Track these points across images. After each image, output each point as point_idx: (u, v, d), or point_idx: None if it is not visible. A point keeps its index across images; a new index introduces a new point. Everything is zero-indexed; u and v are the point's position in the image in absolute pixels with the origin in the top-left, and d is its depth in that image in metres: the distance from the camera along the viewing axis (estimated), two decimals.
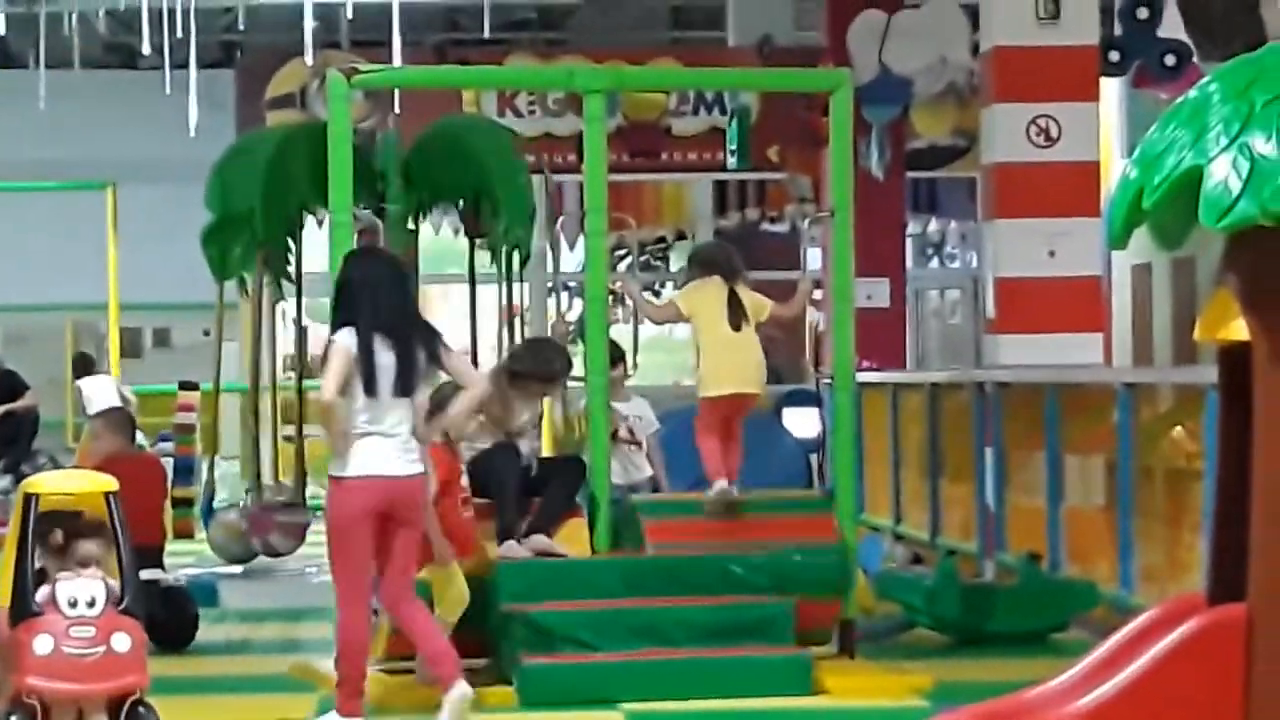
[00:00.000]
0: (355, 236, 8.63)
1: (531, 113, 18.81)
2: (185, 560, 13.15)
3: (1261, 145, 3.74)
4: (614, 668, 7.96)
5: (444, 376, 7.75)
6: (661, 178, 20.26)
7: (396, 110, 15.22)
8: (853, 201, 8.96)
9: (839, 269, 9.17)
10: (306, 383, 12.24)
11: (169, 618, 9.26)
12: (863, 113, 14.56)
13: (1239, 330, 3.94)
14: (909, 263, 18.68)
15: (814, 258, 19.14)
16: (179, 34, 16.73)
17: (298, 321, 12.84)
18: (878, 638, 9.36)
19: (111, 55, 23.40)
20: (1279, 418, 3.87)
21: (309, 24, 16.02)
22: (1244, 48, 4.19)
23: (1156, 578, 9.22)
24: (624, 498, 8.99)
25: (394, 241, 10.63)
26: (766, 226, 20.61)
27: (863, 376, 11.91)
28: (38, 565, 6.45)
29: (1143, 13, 14.59)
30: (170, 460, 14.45)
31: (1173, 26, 14.15)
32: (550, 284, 12.91)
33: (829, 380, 11.21)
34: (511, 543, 8.45)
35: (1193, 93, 3.94)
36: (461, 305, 12.45)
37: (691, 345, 9.22)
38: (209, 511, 13.38)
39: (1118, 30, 14.31)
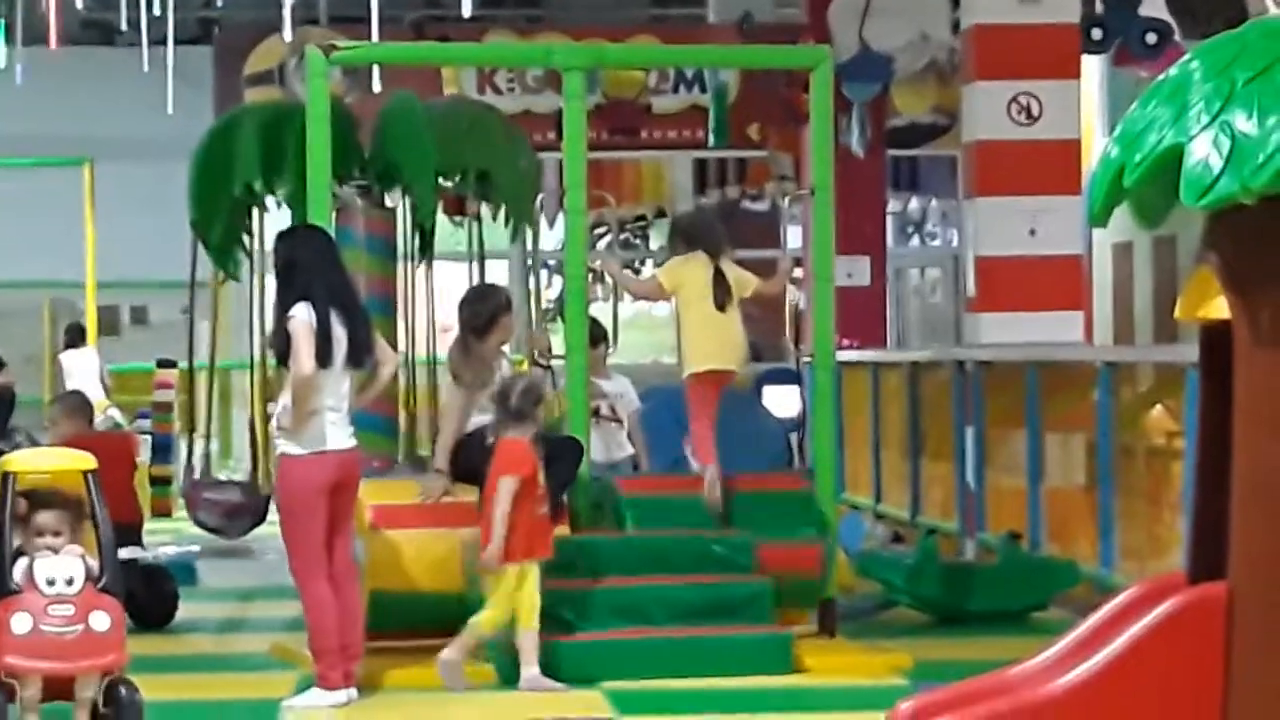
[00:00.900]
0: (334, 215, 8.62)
1: (510, 90, 18.77)
2: (163, 538, 13.14)
3: (1242, 123, 3.73)
4: (594, 646, 7.96)
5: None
6: (641, 155, 20.24)
7: (376, 88, 15.19)
8: (833, 179, 8.95)
9: (819, 247, 9.16)
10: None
11: (148, 596, 9.25)
12: (843, 90, 14.54)
13: (1220, 309, 3.93)
14: (889, 241, 18.68)
15: (794, 236, 19.19)
16: (156, 10, 16.68)
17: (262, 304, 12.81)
18: (858, 617, 9.36)
19: (89, 31, 23.32)
20: (1259, 396, 3.87)
21: (287, 0, 15.96)
22: (1225, 25, 4.17)
23: (1137, 556, 9.23)
24: (604, 475, 8.98)
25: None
26: (747, 204, 20.60)
27: (843, 355, 11.91)
28: (15, 544, 6.40)
29: None
30: (149, 438, 14.44)
31: (1154, 4, 14.15)
32: (529, 262, 12.89)
33: (809, 359, 11.22)
34: None
35: (1174, 70, 3.93)
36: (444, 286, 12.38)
37: (672, 323, 9.21)
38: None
39: (1099, 8, 14.30)
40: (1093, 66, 17.02)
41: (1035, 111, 12.51)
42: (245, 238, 10.64)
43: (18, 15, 17.98)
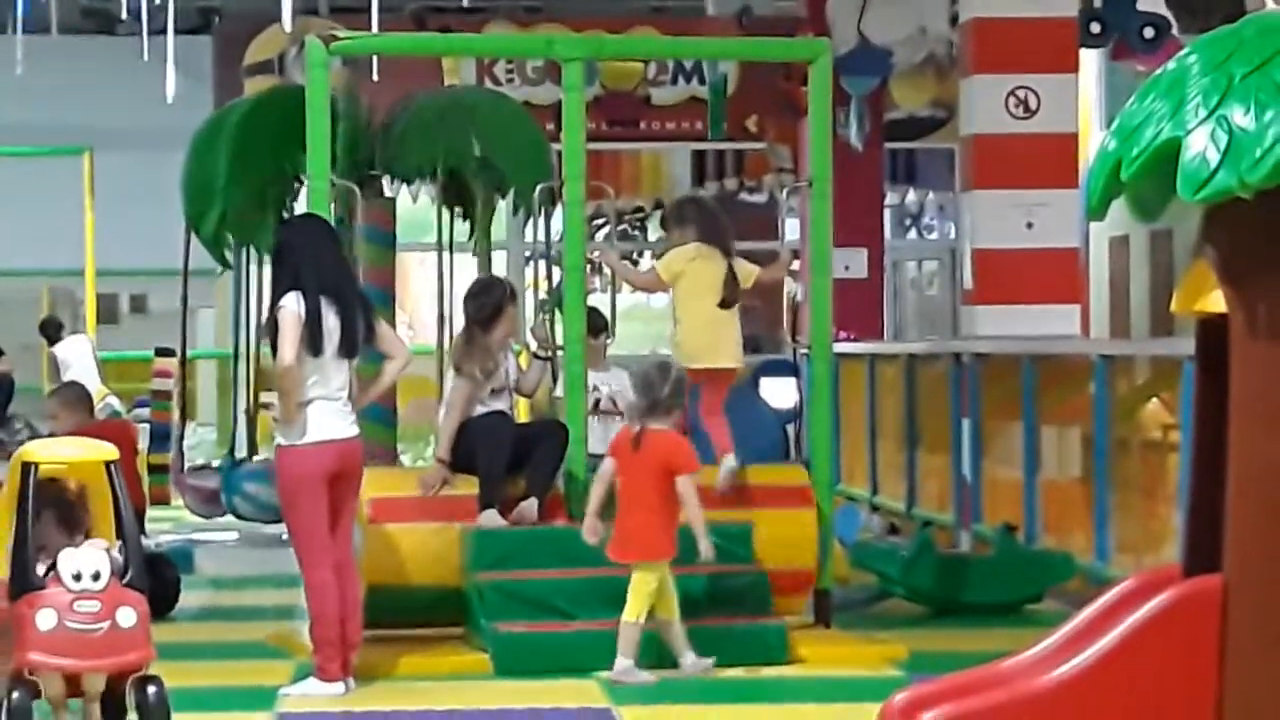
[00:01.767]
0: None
1: (510, 81, 18.75)
2: (162, 526, 13.16)
3: (1240, 117, 3.74)
4: (590, 636, 7.96)
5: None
6: (640, 147, 20.21)
7: (374, 77, 15.17)
8: (831, 172, 8.95)
9: (817, 239, 9.17)
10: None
11: (151, 584, 9.24)
12: (841, 83, 14.53)
13: (1216, 302, 3.94)
14: (887, 233, 18.66)
15: (792, 228, 19.14)
16: (156, 0, 16.66)
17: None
18: (853, 608, 9.37)
19: (89, 20, 23.28)
20: (1255, 389, 3.88)
21: None
22: (1223, 20, 4.18)
23: (1132, 549, 9.24)
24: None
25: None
26: (745, 196, 20.58)
27: (840, 347, 11.91)
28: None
29: None
30: (147, 426, 14.46)
31: (1152, 0, 14.15)
32: (528, 253, 12.89)
33: (806, 350, 11.22)
34: (492, 511, 8.44)
35: (1171, 65, 3.94)
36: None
37: (669, 315, 9.20)
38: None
39: (1097, 2, 14.30)
40: (1091, 61, 17.02)
41: (1033, 105, 12.50)
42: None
43: (18, 4, 17.95)
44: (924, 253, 22.74)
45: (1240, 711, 3.89)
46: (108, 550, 6.15)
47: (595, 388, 9.37)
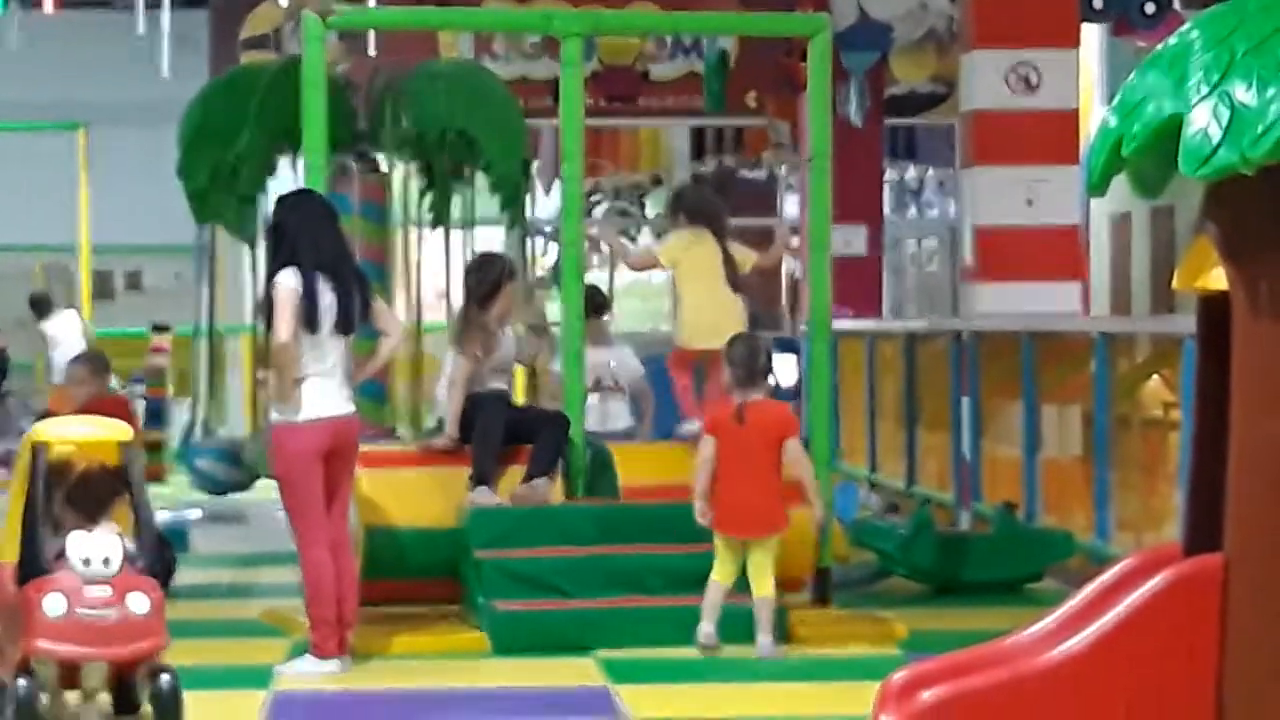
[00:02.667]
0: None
1: (508, 56, 18.71)
2: (156, 505, 13.12)
3: (1242, 93, 3.71)
4: (588, 614, 7.95)
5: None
6: (638, 123, 20.18)
7: (372, 52, 15.14)
8: (831, 148, 8.93)
9: (816, 216, 9.14)
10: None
11: None
12: (841, 59, 14.50)
13: (1218, 279, 3.92)
14: (887, 210, 18.65)
15: (791, 204, 19.15)
16: None
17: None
18: (853, 586, 9.36)
19: None
20: (1257, 367, 3.86)
21: None
22: None
23: (1132, 527, 9.23)
24: (599, 443, 8.96)
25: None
26: (744, 172, 20.55)
27: (839, 324, 11.89)
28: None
29: None
30: (142, 403, 14.45)
31: None
32: (525, 229, 12.87)
33: (805, 328, 11.19)
34: (485, 488, 8.42)
35: (1173, 40, 3.91)
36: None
37: (668, 292, 9.20)
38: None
39: None
40: (1092, 36, 16.98)
41: (1034, 81, 12.46)
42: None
43: None
44: (924, 230, 22.71)
45: (1241, 690, 3.88)
46: (120, 534, 5.94)
47: (597, 365, 9.35)
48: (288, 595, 8.73)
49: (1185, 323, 7.96)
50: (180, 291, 13.24)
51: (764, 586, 7.75)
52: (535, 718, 6.99)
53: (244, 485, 12.82)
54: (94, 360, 10.01)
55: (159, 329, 15.27)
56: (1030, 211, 12.49)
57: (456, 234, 11.50)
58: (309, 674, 7.44)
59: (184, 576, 9.78)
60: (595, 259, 17.10)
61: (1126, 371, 9.64)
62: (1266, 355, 3.83)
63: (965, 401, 11.43)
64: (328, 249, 7.55)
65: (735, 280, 8.81)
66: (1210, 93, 3.74)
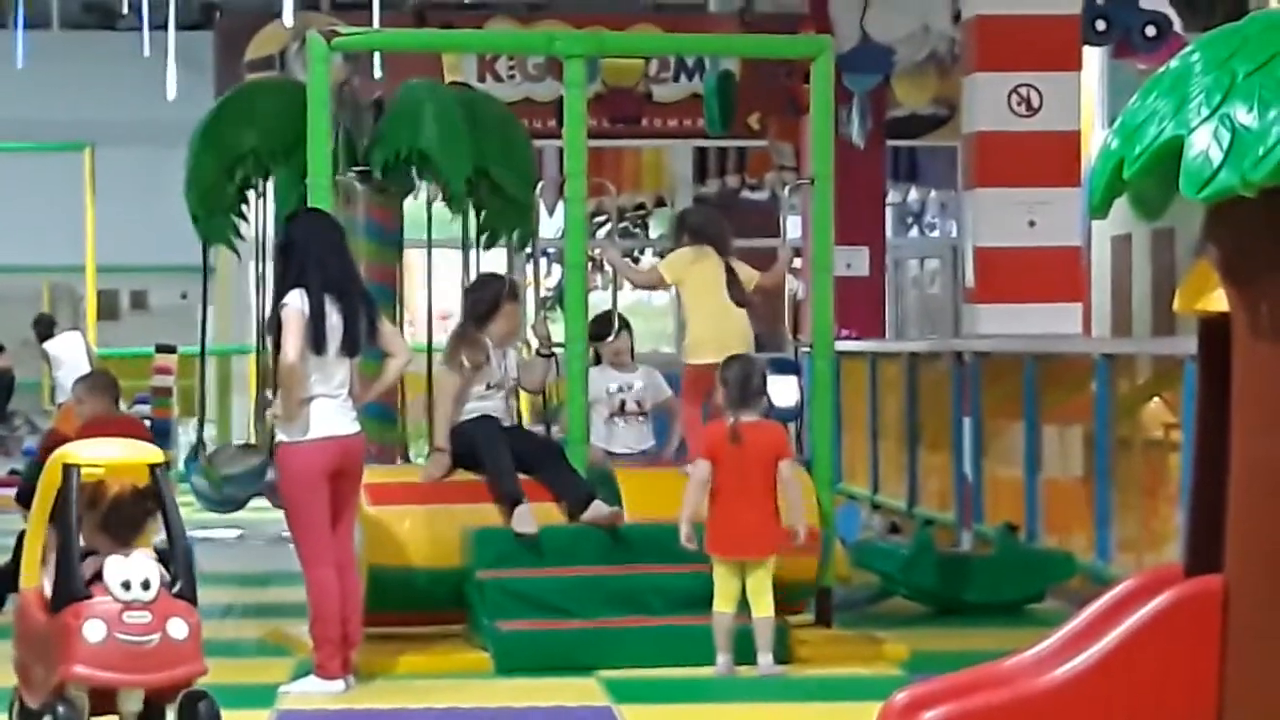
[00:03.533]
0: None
1: (511, 78, 18.75)
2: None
3: (1243, 116, 3.73)
4: (590, 634, 7.96)
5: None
6: (641, 144, 20.21)
7: (377, 74, 15.16)
8: (833, 169, 8.95)
9: (819, 237, 9.16)
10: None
11: None
12: (844, 80, 14.52)
13: (1218, 301, 3.93)
14: (889, 231, 18.67)
15: (794, 225, 19.13)
16: None
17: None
18: (854, 607, 9.36)
19: (90, 16, 23.28)
20: (1257, 389, 3.87)
21: None
22: (1225, 18, 4.17)
23: (1133, 548, 9.23)
24: (604, 464, 8.96)
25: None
26: (746, 194, 20.57)
27: (841, 345, 11.90)
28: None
29: None
30: (148, 423, 14.46)
31: None
32: (529, 250, 12.87)
33: (808, 348, 11.21)
34: (525, 507, 8.32)
35: (1174, 63, 3.92)
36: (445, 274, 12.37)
37: (671, 313, 9.21)
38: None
39: (1100, 0, 14.29)
40: (1093, 58, 17.01)
41: (1035, 103, 12.49)
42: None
43: None
44: (926, 251, 22.73)
45: (1241, 712, 3.88)
46: (157, 559, 5.83)
47: (620, 389, 9.34)
48: (292, 615, 8.74)
49: (1186, 344, 7.97)
50: (186, 312, 13.26)
51: (763, 607, 7.76)
52: None
53: (239, 502, 12.79)
54: (97, 380, 9.99)
55: (164, 349, 15.27)
56: (1032, 233, 12.51)
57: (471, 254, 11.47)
58: (313, 694, 7.45)
59: None
60: (599, 279, 17.12)
61: (1128, 393, 9.65)
62: (1267, 377, 3.84)
63: (967, 422, 11.44)
64: (335, 270, 7.57)
65: (740, 296, 8.83)
66: (1211, 115, 3.76)
